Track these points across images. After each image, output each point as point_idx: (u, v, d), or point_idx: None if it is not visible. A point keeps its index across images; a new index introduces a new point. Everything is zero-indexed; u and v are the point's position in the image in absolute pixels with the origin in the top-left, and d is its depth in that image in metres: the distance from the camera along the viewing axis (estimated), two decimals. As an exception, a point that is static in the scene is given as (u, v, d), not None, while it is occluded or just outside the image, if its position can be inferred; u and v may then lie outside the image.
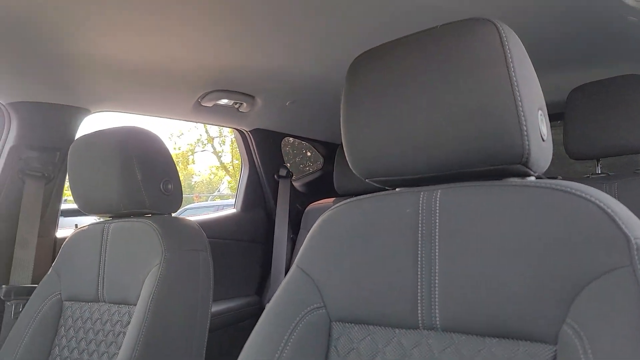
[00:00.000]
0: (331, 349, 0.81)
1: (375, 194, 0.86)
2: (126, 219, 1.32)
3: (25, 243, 1.52)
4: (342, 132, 0.85)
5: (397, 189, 0.87)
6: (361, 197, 0.86)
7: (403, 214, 0.79)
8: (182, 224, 1.29)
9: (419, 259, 0.75)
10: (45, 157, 1.59)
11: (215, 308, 2.01)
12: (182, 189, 1.38)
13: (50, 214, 1.62)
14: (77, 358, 1.23)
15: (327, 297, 0.83)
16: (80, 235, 1.38)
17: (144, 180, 1.26)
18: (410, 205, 0.79)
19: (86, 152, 1.34)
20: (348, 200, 0.87)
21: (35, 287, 1.40)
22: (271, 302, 0.87)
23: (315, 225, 0.89)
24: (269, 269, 2.28)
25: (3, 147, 1.56)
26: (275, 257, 2.27)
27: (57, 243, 1.65)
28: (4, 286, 1.47)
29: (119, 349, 1.14)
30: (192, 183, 22.43)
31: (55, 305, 1.32)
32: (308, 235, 0.90)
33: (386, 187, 0.88)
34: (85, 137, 1.36)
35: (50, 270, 1.39)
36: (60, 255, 1.39)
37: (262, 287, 2.33)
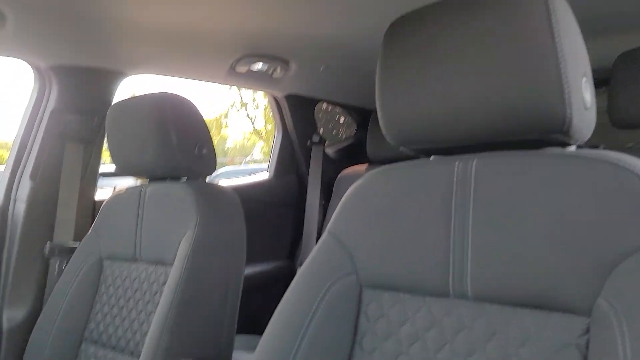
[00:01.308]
0: (361, 314, 0.82)
1: (408, 161, 0.85)
2: (162, 182, 1.34)
3: (67, 204, 1.58)
4: (376, 98, 0.83)
5: (431, 157, 0.85)
6: (395, 164, 0.86)
7: (437, 183, 0.78)
8: (216, 189, 1.31)
9: (452, 227, 0.75)
10: (84, 120, 1.62)
11: (248, 271, 2.05)
12: (216, 153, 1.39)
13: (90, 176, 1.67)
14: (116, 314, 1.29)
15: (358, 263, 0.83)
16: (119, 197, 1.42)
17: (179, 144, 1.28)
18: (444, 174, 0.78)
19: (123, 117, 1.36)
20: (381, 167, 0.87)
21: (77, 245, 1.46)
22: (303, 267, 0.89)
23: (348, 192, 0.89)
24: (301, 234, 2.31)
25: (44, 110, 1.60)
26: (307, 222, 2.29)
27: (96, 204, 1.70)
28: (48, 244, 1.54)
29: (156, 307, 1.18)
30: (226, 148, 22.68)
31: (96, 264, 1.38)
32: (341, 202, 0.90)
33: (420, 155, 0.87)
34: (122, 102, 1.38)
35: (90, 230, 1.44)
36: (100, 216, 1.44)
37: (293, 251, 2.36)
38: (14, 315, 1.46)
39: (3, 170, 1.64)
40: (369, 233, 0.83)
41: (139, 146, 1.31)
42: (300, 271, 0.89)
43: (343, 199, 0.89)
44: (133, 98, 1.37)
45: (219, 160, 1.43)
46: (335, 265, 0.85)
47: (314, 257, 0.88)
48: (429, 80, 0.76)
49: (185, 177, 1.36)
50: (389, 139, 0.84)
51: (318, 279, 0.85)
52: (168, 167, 1.30)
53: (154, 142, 1.28)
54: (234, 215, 1.28)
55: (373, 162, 2.24)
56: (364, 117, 2.44)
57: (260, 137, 19.27)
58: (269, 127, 17.64)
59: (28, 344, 1.35)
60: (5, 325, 1.44)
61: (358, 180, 0.89)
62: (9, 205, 1.56)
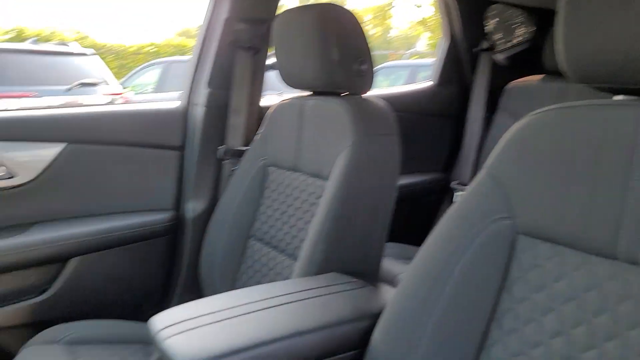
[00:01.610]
0: (513, 261, 0.79)
1: (588, 102, 0.74)
2: (323, 97, 1.37)
3: (237, 110, 1.70)
4: (558, 22, 0.73)
5: (616, 97, 0.74)
6: (571, 104, 0.76)
7: (618, 129, 0.68)
8: (373, 107, 1.30)
9: (629, 183, 0.66)
10: (253, 29, 1.68)
11: (401, 181, 2.07)
12: (379, 44, 1.36)
13: (257, 84, 1.76)
14: (278, 218, 1.41)
15: (516, 208, 0.79)
16: (283, 106, 1.49)
17: (340, 59, 1.28)
18: (629, 120, 0.67)
19: (287, 28, 1.38)
20: (556, 106, 0.78)
21: (246, 150, 1.59)
22: (457, 204, 0.86)
23: (512, 130, 0.82)
24: (459, 147, 2.23)
25: (218, 19, 1.69)
26: (467, 135, 2.19)
27: (262, 110, 1.81)
28: (222, 147, 1.70)
29: (313, 217, 1.27)
30: (389, 38, 21.98)
31: (261, 169, 1.50)
32: (503, 139, 0.84)
33: (602, 93, 0.76)
34: (287, 13, 1.40)
35: (257, 137, 1.55)
36: (265, 124, 1.53)
37: (449, 164, 2.30)
38: (195, 206, 1.68)
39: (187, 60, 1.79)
40: (532, 177, 0.77)
41: (302, 58, 1.34)
42: (453, 208, 0.87)
43: (506, 137, 0.83)
44: (298, 8, 1.37)
45: (381, 52, 1.39)
46: (491, 207, 0.81)
47: (470, 196, 0.85)
48: (628, 5, 0.64)
49: (346, 92, 1.36)
50: (567, 73, 0.74)
51: (472, 219, 0.82)
52: (328, 81, 1.31)
53: (316, 55, 1.29)
54: (390, 134, 1.27)
55: (550, 73, 2.01)
56: (543, 18, 2.16)
57: (427, 28, 18.27)
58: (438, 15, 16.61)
59: (206, 234, 1.56)
60: (190, 214, 1.67)
61: (525, 118, 0.81)
62: (188, 109, 1.74)
